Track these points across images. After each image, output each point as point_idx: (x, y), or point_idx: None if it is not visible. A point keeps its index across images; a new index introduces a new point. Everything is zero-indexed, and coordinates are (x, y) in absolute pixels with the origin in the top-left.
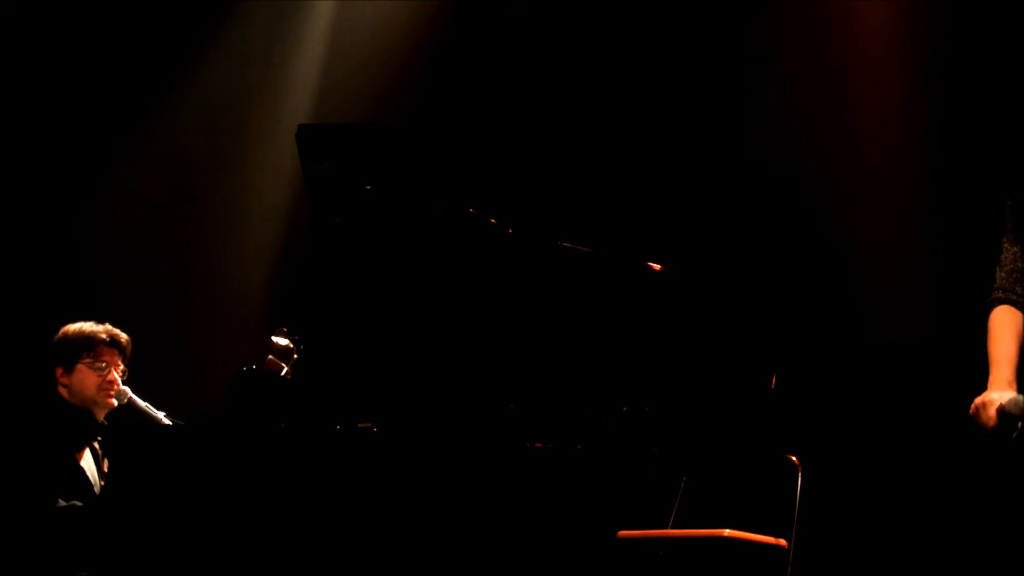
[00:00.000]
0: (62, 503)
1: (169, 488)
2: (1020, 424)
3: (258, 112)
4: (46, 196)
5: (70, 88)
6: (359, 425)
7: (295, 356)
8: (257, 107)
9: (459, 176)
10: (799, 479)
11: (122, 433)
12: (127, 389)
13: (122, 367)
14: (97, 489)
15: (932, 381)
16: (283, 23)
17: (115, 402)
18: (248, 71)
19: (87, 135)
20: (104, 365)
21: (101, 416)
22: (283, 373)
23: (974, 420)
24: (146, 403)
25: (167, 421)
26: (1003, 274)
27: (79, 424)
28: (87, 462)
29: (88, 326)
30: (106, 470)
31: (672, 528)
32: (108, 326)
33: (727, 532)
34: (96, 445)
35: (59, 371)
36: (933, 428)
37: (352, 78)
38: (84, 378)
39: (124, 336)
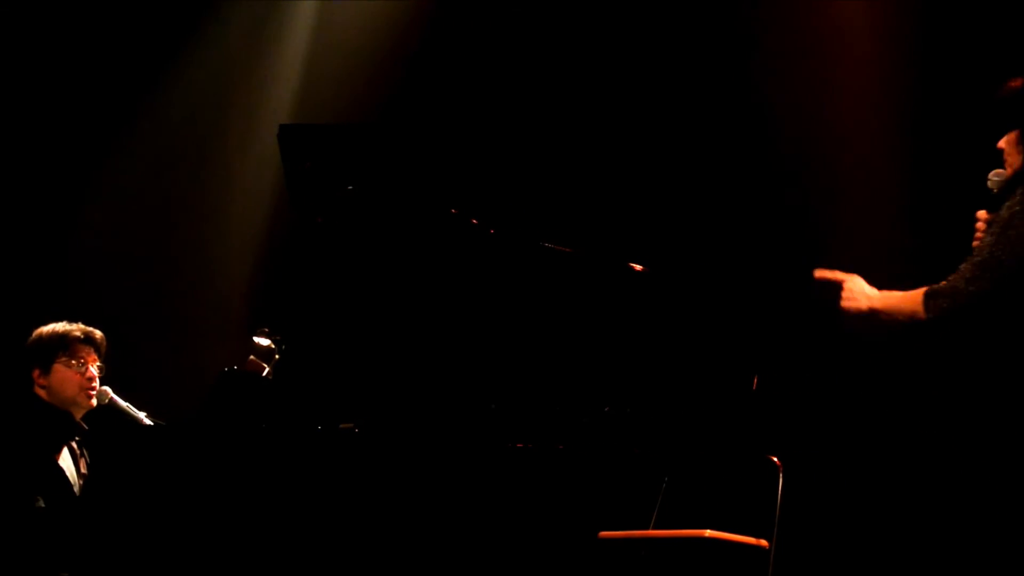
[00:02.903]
0: (42, 503)
1: (150, 488)
2: None
3: (240, 112)
4: (27, 196)
5: (53, 88)
6: (341, 426)
7: (277, 356)
8: (239, 107)
9: (441, 176)
10: (780, 479)
11: (103, 433)
12: (108, 389)
13: (99, 364)
14: (76, 489)
15: (913, 380)
16: (265, 23)
17: (95, 402)
18: (230, 71)
19: (69, 135)
20: (82, 363)
21: (79, 416)
22: (264, 373)
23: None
24: (127, 403)
25: (148, 421)
26: None
27: (57, 424)
28: (65, 462)
29: (61, 325)
30: (84, 470)
31: (653, 528)
32: (81, 324)
33: (708, 532)
34: (74, 445)
35: (36, 372)
36: (913, 427)
37: (334, 78)
38: (63, 377)
39: (99, 333)
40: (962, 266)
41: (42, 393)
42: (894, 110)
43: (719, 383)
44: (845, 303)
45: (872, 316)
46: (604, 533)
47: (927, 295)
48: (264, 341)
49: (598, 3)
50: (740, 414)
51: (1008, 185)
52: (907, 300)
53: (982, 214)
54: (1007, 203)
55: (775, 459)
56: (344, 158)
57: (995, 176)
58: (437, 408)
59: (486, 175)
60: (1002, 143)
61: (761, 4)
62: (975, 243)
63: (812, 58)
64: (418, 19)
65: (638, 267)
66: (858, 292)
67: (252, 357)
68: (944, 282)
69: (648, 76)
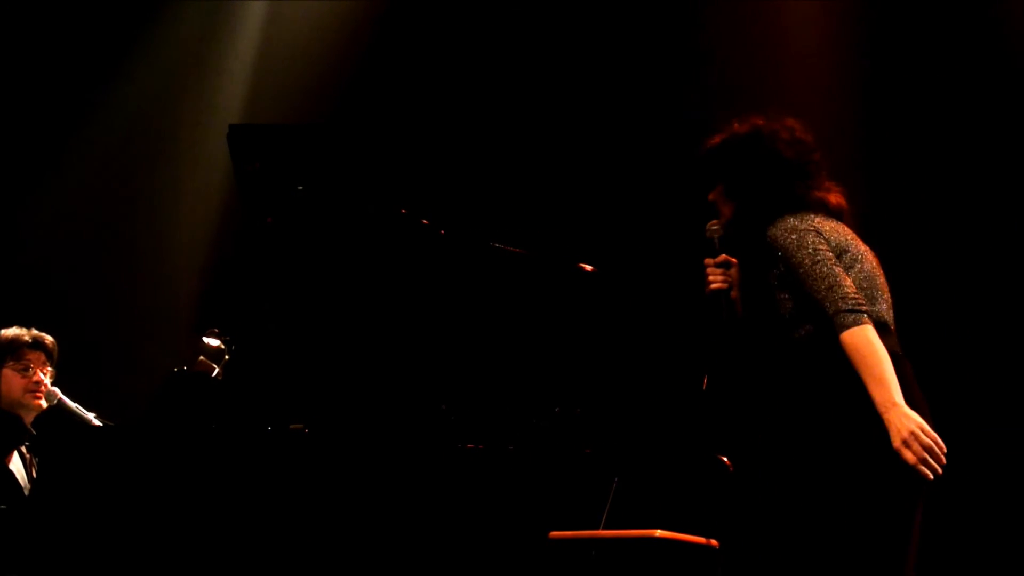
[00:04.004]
0: None
1: (99, 490)
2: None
3: (190, 112)
4: None
5: (1, 88)
6: (291, 426)
7: (226, 357)
8: (189, 107)
9: (391, 177)
10: (730, 479)
11: (52, 434)
12: (57, 390)
13: (50, 369)
14: (26, 492)
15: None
16: (215, 23)
17: (44, 404)
18: (180, 71)
19: (18, 135)
20: (29, 367)
21: (30, 420)
22: (214, 374)
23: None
24: (76, 404)
25: (98, 422)
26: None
27: (7, 428)
28: (15, 465)
29: (11, 331)
30: (34, 474)
31: (604, 529)
32: (33, 330)
33: (658, 533)
34: (24, 449)
35: None
36: (861, 429)
37: (284, 78)
38: (9, 381)
39: (49, 339)
40: (820, 296)
41: None
42: (844, 109)
43: (669, 383)
44: (914, 441)
45: (901, 401)
46: (554, 533)
47: (845, 326)
48: (214, 342)
49: (548, 5)
50: (690, 414)
51: (739, 231)
52: (861, 353)
53: (709, 261)
54: (771, 239)
55: (725, 459)
56: (294, 158)
57: (713, 226)
58: (387, 409)
59: (437, 176)
60: (712, 196)
61: (711, 3)
62: (706, 290)
63: (761, 56)
64: (367, 19)
65: (588, 268)
66: (896, 431)
67: (202, 358)
68: (832, 315)
69: (597, 75)
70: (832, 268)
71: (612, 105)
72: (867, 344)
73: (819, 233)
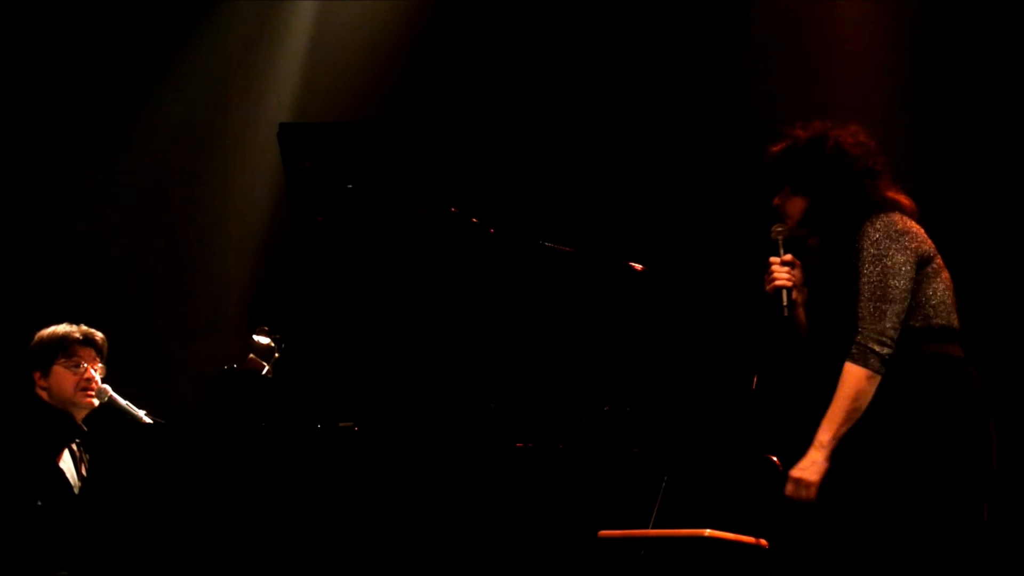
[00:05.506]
0: (40, 504)
1: (150, 487)
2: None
3: (240, 111)
4: (26, 198)
5: (52, 89)
6: (340, 424)
7: (276, 355)
8: (239, 106)
9: (441, 175)
10: (780, 479)
11: (103, 431)
12: (108, 387)
13: (100, 365)
14: (76, 490)
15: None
16: (265, 22)
17: (95, 401)
18: (230, 70)
19: (69, 135)
20: (80, 364)
21: (80, 417)
22: (264, 372)
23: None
24: (127, 401)
25: (148, 420)
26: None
27: (58, 426)
28: (66, 463)
29: (62, 327)
30: (85, 472)
31: (653, 528)
32: (83, 326)
33: (708, 532)
34: (75, 447)
35: (37, 375)
36: (910, 428)
37: (334, 77)
38: (61, 378)
39: (99, 335)
40: (863, 315)
41: (43, 395)
42: (894, 110)
43: (719, 382)
44: (801, 488)
45: (830, 446)
46: (603, 532)
47: (858, 360)
48: (264, 339)
49: (597, 2)
50: (740, 413)
51: (815, 227)
52: (848, 389)
53: (774, 259)
54: (862, 236)
55: (774, 458)
56: (344, 157)
57: (778, 228)
58: (437, 407)
59: (486, 174)
60: (777, 200)
61: (759, 2)
62: (768, 286)
63: (810, 57)
64: (417, 18)
65: (638, 267)
66: (804, 467)
67: (252, 355)
68: (857, 340)
69: (647, 75)
70: (901, 297)
71: (662, 104)
72: (858, 387)
73: (914, 250)
